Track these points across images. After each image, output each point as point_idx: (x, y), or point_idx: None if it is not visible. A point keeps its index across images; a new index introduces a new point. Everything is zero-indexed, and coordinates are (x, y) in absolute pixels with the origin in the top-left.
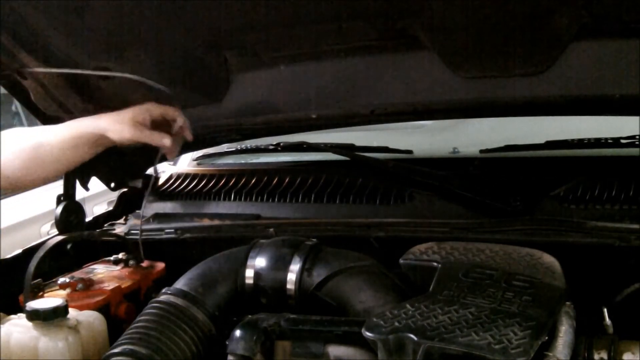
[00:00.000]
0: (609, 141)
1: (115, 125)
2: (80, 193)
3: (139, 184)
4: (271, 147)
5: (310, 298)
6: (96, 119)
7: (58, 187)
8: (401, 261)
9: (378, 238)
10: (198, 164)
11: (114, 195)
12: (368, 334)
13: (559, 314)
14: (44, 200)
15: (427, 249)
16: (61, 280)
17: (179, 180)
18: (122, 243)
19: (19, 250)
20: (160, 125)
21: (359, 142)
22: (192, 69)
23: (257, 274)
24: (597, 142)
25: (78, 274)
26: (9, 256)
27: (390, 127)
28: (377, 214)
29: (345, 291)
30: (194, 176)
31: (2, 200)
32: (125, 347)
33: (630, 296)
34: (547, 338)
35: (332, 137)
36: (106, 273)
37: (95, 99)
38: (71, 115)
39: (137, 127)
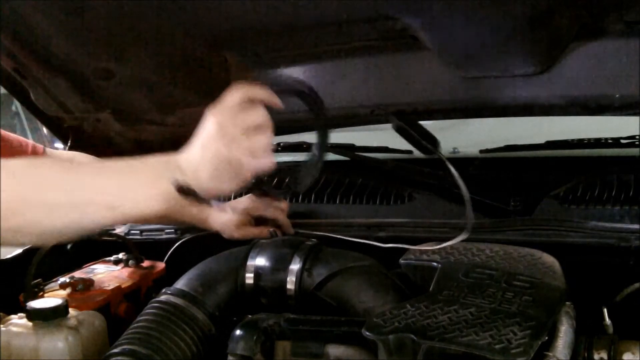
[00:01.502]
0: (609, 141)
1: (226, 230)
2: None
3: None
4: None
5: (310, 298)
6: (210, 220)
7: None
8: (401, 261)
9: (378, 238)
10: None
11: None
12: (368, 334)
13: (559, 314)
14: None
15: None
16: (61, 280)
17: None
18: (122, 243)
19: (19, 250)
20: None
21: (359, 142)
22: (192, 69)
23: (257, 274)
24: (597, 142)
25: (78, 274)
26: (9, 256)
27: (390, 127)
28: (377, 214)
29: (345, 291)
30: None
31: None
32: (125, 347)
33: (630, 296)
34: (547, 338)
35: (332, 137)
36: (106, 273)
37: (96, 99)
38: (71, 114)
39: (242, 229)
